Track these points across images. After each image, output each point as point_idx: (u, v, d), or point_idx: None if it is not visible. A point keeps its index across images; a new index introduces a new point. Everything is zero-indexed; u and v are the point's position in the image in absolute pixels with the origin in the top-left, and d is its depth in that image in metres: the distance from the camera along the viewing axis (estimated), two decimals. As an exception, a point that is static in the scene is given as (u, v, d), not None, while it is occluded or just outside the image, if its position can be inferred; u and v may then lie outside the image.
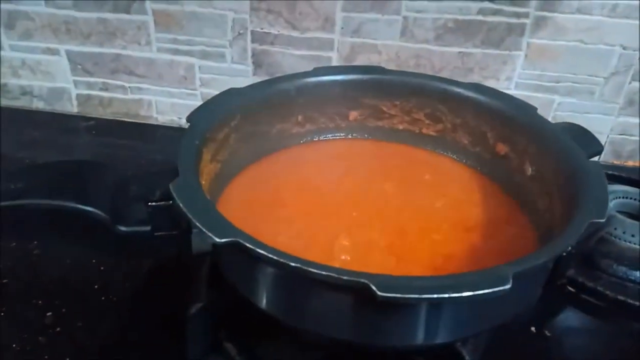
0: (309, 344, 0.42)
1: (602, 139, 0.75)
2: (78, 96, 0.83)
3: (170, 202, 0.36)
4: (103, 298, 0.48)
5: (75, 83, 0.82)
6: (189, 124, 0.44)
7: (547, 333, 0.49)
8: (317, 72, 0.54)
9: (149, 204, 0.37)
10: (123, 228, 0.37)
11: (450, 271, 0.41)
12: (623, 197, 0.60)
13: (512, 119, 0.50)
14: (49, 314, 0.47)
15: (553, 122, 0.61)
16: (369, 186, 0.51)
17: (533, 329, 0.49)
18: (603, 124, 0.74)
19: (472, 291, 0.29)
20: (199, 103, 0.79)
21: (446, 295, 0.29)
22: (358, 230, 0.45)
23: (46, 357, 0.44)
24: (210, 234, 0.32)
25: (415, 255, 0.43)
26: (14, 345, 0.44)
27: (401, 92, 0.55)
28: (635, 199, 0.60)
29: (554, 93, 0.73)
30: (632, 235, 0.55)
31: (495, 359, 0.44)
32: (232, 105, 0.49)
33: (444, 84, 0.54)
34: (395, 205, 0.48)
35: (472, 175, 0.53)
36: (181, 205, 0.34)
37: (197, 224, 0.33)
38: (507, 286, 0.30)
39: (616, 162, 0.76)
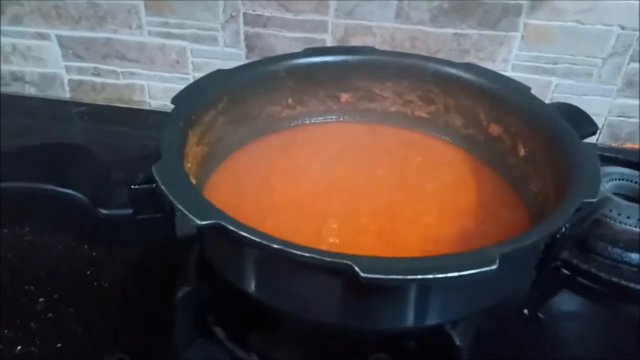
0: (298, 328, 0.42)
1: (600, 121, 0.74)
2: (70, 82, 0.82)
3: (153, 185, 0.35)
4: (94, 283, 0.48)
5: (67, 68, 0.81)
6: (173, 105, 0.43)
7: (541, 316, 0.48)
8: (307, 53, 0.53)
9: (132, 187, 0.36)
10: (104, 211, 0.36)
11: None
12: (619, 179, 0.59)
13: (505, 100, 0.49)
14: (41, 299, 0.46)
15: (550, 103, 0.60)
16: (360, 170, 0.50)
17: (526, 311, 0.48)
18: (601, 105, 0.73)
19: (457, 272, 0.29)
20: (193, 88, 0.81)
21: (430, 276, 0.28)
22: (348, 214, 0.44)
23: (38, 342, 0.43)
24: (191, 216, 0.32)
25: (405, 239, 0.42)
26: (5, 331, 0.43)
27: (393, 73, 0.54)
28: (632, 181, 0.59)
29: (552, 75, 0.72)
30: (628, 217, 0.54)
31: (486, 342, 0.44)
32: (219, 87, 0.48)
33: (437, 64, 0.53)
34: (386, 189, 0.48)
35: (465, 157, 0.52)
36: (162, 187, 0.34)
37: (179, 205, 0.32)
38: (494, 267, 0.29)
39: (614, 145, 0.75)
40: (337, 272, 0.29)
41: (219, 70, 0.49)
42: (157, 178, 0.34)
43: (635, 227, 0.54)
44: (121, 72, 0.81)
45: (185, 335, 0.43)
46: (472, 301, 0.35)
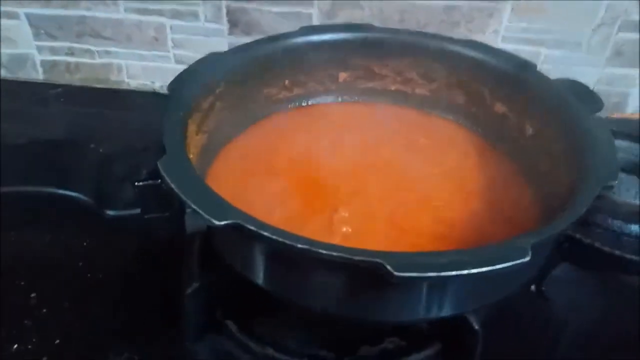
0: (311, 317, 0.41)
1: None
2: (43, 62, 0.78)
3: (159, 181, 0.33)
4: (87, 275, 0.46)
5: (39, 49, 0.77)
6: (169, 93, 0.41)
7: (546, 291, 0.48)
8: (303, 31, 0.51)
9: (136, 184, 0.34)
10: (111, 212, 0.34)
11: (455, 239, 0.40)
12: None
13: (511, 76, 0.48)
14: (33, 294, 0.45)
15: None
16: (363, 153, 0.48)
17: (533, 287, 0.48)
18: (589, 75, 0.73)
19: (490, 266, 0.28)
20: (172, 66, 0.77)
21: (465, 272, 0.27)
22: (357, 200, 0.43)
23: (34, 340, 0.41)
24: (208, 217, 0.30)
25: (417, 225, 0.41)
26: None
27: (393, 51, 0.52)
28: (629, 153, 0.59)
29: (541, 45, 0.71)
30: (627, 190, 0.54)
31: (496, 320, 0.44)
32: (214, 71, 0.45)
33: (438, 41, 0.51)
34: (392, 172, 0.46)
35: (469, 137, 0.51)
36: (173, 185, 0.32)
37: (193, 206, 0.30)
38: (527, 258, 0.28)
39: (610, 116, 0.76)
40: (364, 269, 0.28)
41: (212, 54, 0.47)
42: (165, 176, 0.32)
43: (634, 199, 0.54)
44: (97, 51, 0.77)
45: (195, 330, 0.42)
46: (498, 289, 0.35)
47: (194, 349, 0.42)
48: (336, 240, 0.39)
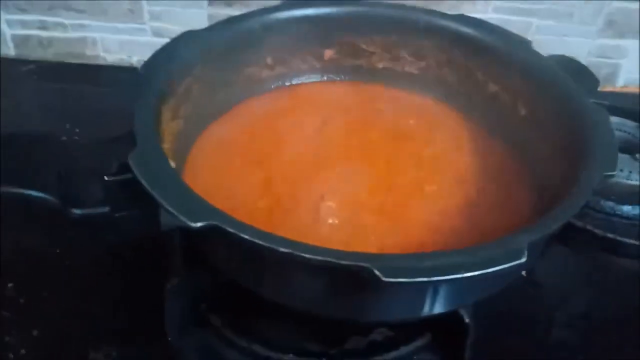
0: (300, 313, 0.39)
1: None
2: (13, 37, 0.74)
3: (130, 175, 0.31)
4: (66, 262, 0.44)
5: (9, 23, 0.73)
6: (141, 77, 0.38)
7: (538, 276, 0.47)
8: (285, 6, 0.48)
9: (106, 178, 0.31)
10: (77, 211, 0.32)
11: (448, 229, 0.39)
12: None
13: (504, 54, 0.46)
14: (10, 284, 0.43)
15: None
16: (350, 136, 0.46)
17: (524, 273, 0.47)
18: (581, 46, 0.71)
19: (485, 269, 0.26)
20: (149, 39, 0.74)
21: (458, 275, 0.26)
22: (344, 188, 0.41)
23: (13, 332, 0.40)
24: (183, 218, 0.28)
25: (408, 213, 0.40)
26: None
27: (380, 26, 0.50)
28: (621, 130, 0.57)
29: (532, 16, 0.68)
30: (621, 170, 0.53)
31: (487, 306, 0.43)
32: (190, 52, 0.43)
33: (428, 16, 0.48)
34: (380, 157, 0.44)
35: (460, 118, 0.49)
36: (144, 182, 0.30)
37: (166, 206, 0.28)
38: (522, 260, 0.27)
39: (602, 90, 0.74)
40: (352, 273, 0.27)
41: (188, 32, 0.44)
42: (136, 171, 0.30)
43: (627, 179, 0.53)
44: (70, 24, 0.73)
45: (178, 325, 0.40)
46: (493, 285, 0.34)
47: (178, 344, 0.40)
48: (323, 233, 0.38)
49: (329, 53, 0.52)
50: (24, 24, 0.73)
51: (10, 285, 0.43)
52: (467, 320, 0.36)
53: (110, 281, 0.43)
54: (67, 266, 0.44)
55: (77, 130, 0.63)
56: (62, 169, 0.32)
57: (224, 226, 0.28)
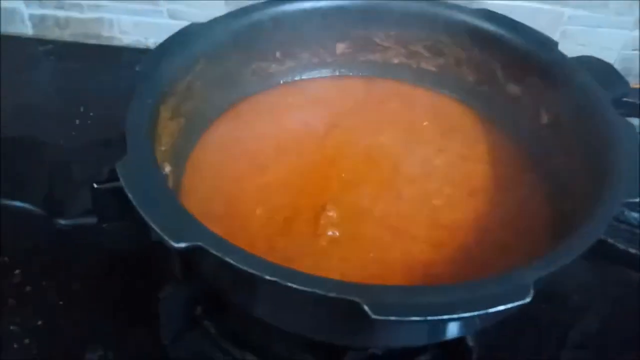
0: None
1: (613, 56, 0.68)
2: (31, 17, 0.74)
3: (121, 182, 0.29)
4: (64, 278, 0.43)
5: (26, 2, 0.72)
6: (138, 77, 0.36)
7: (551, 290, 0.45)
8: (296, -3, 0.45)
9: (95, 186, 0.30)
10: (63, 222, 0.30)
11: (454, 246, 0.36)
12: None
13: (528, 54, 0.43)
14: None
15: (559, 35, 0.53)
16: (359, 139, 0.44)
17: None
18: (615, 39, 0.66)
19: (485, 309, 0.24)
20: (166, 21, 0.72)
21: (455, 316, 0.24)
22: (347, 196, 0.39)
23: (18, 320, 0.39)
24: (165, 237, 0.26)
25: (412, 227, 0.38)
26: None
27: (397, 19, 0.47)
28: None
29: (565, 5, 0.64)
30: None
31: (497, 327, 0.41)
32: (193, 48, 0.41)
33: (448, 9, 0.45)
34: (389, 164, 0.42)
35: (478, 121, 0.46)
36: (130, 195, 0.28)
37: (151, 223, 0.27)
38: (527, 300, 0.25)
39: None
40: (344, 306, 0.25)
41: (192, 25, 0.42)
42: (123, 182, 0.29)
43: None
44: (86, 5, 0.72)
45: (173, 330, 0.39)
46: (499, 314, 0.31)
47: (172, 348, 0.39)
48: (321, 246, 0.36)
49: (341, 47, 0.49)
50: (41, 4, 0.72)
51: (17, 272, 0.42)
52: (470, 343, 0.34)
53: (105, 288, 0.42)
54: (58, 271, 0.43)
55: (91, 114, 0.63)
56: (49, 176, 0.31)
57: (208, 248, 0.26)
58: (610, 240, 0.47)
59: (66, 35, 0.75)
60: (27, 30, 0.75)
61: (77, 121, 0.62)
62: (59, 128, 0.58)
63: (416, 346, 0.35)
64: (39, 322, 0.40)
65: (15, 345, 0.38)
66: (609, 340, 0.43)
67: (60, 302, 0.41)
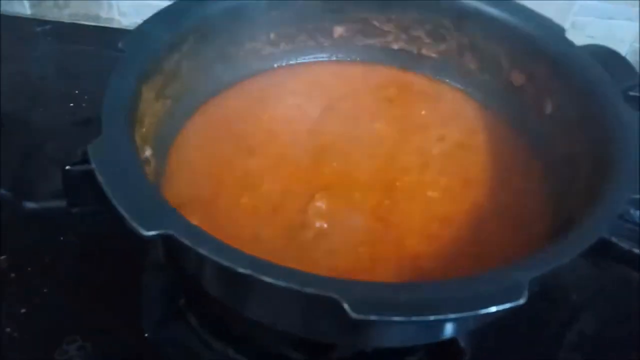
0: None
1: (624, 48, 0.65)
2: (29, -4, 0.72)
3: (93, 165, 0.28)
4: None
5: (24, -19, 0.71)
6: (121, 53, 0.34)
7: (549, 288, 0.43)
8: (292, -23, 0.43)
9: (66, 168, 0.28)
10: (31, 205, 0.29)
11: (448, 239, 0.35)
12: None
13: (533, 41, 0.41)
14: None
15: (569, 26, 0.50)
16: (354, 126, 0.42)
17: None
18: (628, 30, 0.64)
19: (475, 310, 0.22)
20: (166, 3, 0.70)
21: (441, 317, 0.22)
22: (339, 186, 0.37)
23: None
24: (134, 223, 0.25)
25: (406, 218, 0.36)
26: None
27: (397, 2, 0.45)
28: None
29: (575, -6, 0.62)
30: None
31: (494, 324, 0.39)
32: (182, 24, 0.39)
33: (450, -8, 0.43)
34: (384, 153, 0.40)
35: (479, 110, 0.44)
36: (100, 177, 0.26)
37: (120, 208, 0.25)
38: (522, 301, 0.23)
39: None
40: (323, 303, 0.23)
41: (180, 1, 0.40)
42: (94, 164, 0.27)
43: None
44: (84, -15, 0.70)
45: (155, 319, 0.38)
46: (490, 317, 0.30)
47: (153, 339, 0.38)
48: (308, 238, 0.34)
49: (339, 30, 0.47)
50: (39, -16, 0.70)
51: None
52: (462, 344, 0.32)
53: (86, 275, 0.40)
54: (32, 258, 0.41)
55: (85, 96, 0.61)
56: (22, 157, 0.29)
57: (179, 237, 0.24)
58: (614, 239, 0.45)
59: (65, 16, 0.73)
60: (26, 10, 0.73)
61: (71, 104, 0.60)
62: (49, 109, 0.57)
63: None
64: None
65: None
66: (607, 341, 0.41)
67: (36, 292, 0.39)
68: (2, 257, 0.41)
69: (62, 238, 0.41)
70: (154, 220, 0.25)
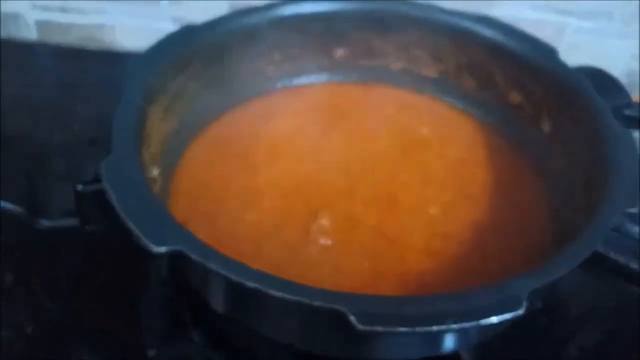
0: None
1: (619, 67, 0.67)
2: (36, 21, 0.74)
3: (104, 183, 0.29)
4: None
5: (30, 6, 0.72)
6: (128, 74, 0.35)
7: (552, 303, 0.43)
8: (294, 1, 0.45)
9: (78, 188, 0.29)
10: (46, 223, 0.29)
11: (450, 255, 0.35)
12: None
13: (528, 61, 0.42)
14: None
15: (565, 47, 0.52)
16: (355, 145, 0.43)
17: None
18: (621, 50, 0.65)
19: (476, 320, 0.23)
20: (168, 26, 0.71)
21: (444, 327, 0.23)
22: (341, 204, 0.38)
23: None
24: (145, 240, 0.25)
25: (408, 235, 0.36)
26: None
27: (396, 24, 0.46)
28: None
29: (570, 16, 0.63)
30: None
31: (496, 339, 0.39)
32: (187, 48, 0.40)
33: (448, 15, 0.45)
34: (386, 170, 0.41)
35: (478, 129, 0.45)
36: (111, 196, 0.27)
37: (130, 225, 0.26)
38: (520, 311, 0.23)
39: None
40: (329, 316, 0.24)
41: (187, 27, 0.41)
42: (105, 182, 0.28)
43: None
44: (89, 9, 0.72)
45: (157, 336, 0.38)
46: (492, 329, 0.30)
47: (156, 356, 0.38)
48: (312, 255, 0.35)
49: (340, 52, 0.48)
50: (45, 8, 0.72)
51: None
52: (466, 358, 0.33)
53: (89, 289, 0.41)
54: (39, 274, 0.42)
55: (90, 118, 0.62)
56: (31, 173, 0.30)
57: (188, 253, 0.25)
58: (611, 255, 0.45)
59: (69, 39, 0.75)
60: (32, 33, 0.75)
61: (76, 126, 0.61)
62: (53, 130, 0.58)
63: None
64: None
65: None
66: (608, 356, 0.41)
67: (41, 308, 0.40)
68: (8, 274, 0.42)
69: (66, 256, 0.42)
70: (163, 236, 0.26)
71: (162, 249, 0.25)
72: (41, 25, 0.73)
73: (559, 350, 0.41)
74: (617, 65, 0.65)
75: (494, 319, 0.23)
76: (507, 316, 0.23)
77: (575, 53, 0.63)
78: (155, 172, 0.35)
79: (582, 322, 0.43)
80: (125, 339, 0.38)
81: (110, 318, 0.39)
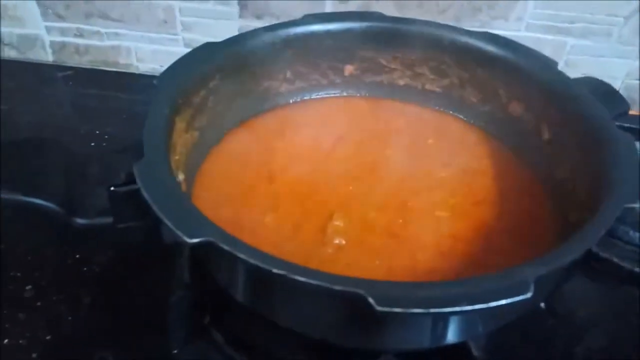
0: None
1: (617, 84, 0.69)
2: (52, 44, 0.76)
3: (137, 186, 0.31)
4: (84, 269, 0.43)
5: (48, 29, 0.75)
6: (156, 88, 0.38)
7: (558, 309, 0.45)
8: (306, 20, 0.48)
9: (111, 189, 0.31)
10: (81, 221, 0.32)
11: (459, 254, 0.37)
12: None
13: (529, 74, 0.44)
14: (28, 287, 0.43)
15: (563, 65, 0.54)
16: (366, 154, 0.45)
17: (543, 305, 0.45)
18: (619, 68, 0.68)
19: (486, 302, 0.25)
20: (181, 49, 0.75)
21: (457, 309, 0.25)
22: (354, 207, 0.40)
23: (27, 334, 0.40)
24: (179, 232, 0.27)
25: (418, 236, 0.38)
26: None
27: (402, 42, 0.49)
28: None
29: (568, 35, 0.66)
30: (654, 200, 0.50)
31: (500, 336, 0.41)
32: (209, 63, 0.43)
33: (451, 32, 0.47)
34: (396, 177, 0.43)
35: (482, 138, 0.48)
36: (146, 194, 0.29)
37: (165, 220, 0.28)
38: (528, 295, 0.25)
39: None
40: (346, 299, 0.26)
41: (207, 44, 0.44)
42: (139, 182, 0.30)
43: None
44: (105, 33, 0.75)
45: (181, 336, 0.40)
46: (503, 315, 0.32)
47: (179, 356, 0.40)
48: (328, 253, 0.37)
49: (349, 69, 0.51)
50: (62, 31, 0.75)
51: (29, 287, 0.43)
52: (475, 352, 0.34)
53: (115, 290, 0.42)
54: (70, 274, 0.44)
55: (106, 136, 0.64)
56: (67, 176, 0.32)
57: (219, 243, 0.27)
58: (615, 260, 0.47)
59: (85, 62, 0.77)
60: (48, 56, 0.78)
61: (92, 143, 0.63)
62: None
63: (419, 352, 0.36)
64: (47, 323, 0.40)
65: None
66: (614, 358, 0.43)
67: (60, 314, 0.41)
68: (28, 287, 0.44)
69: (85, 264, 0.44)
70: (195, 229, 0.28)
71: (195, 240, 0.27)
72: (57, 47, 0.76)
73: (567, 353, 0.42)
74: (614, 83, 0.67)
75: (503, 302, 0.25)
76: (515, 299, 0.25)
77: (573, 71, 0.66)
78: (180, 177, 0.38)
79: (589, 325, 0.45)
80: (149, 338, 0.40)
81: (133, 325, 0.41)
